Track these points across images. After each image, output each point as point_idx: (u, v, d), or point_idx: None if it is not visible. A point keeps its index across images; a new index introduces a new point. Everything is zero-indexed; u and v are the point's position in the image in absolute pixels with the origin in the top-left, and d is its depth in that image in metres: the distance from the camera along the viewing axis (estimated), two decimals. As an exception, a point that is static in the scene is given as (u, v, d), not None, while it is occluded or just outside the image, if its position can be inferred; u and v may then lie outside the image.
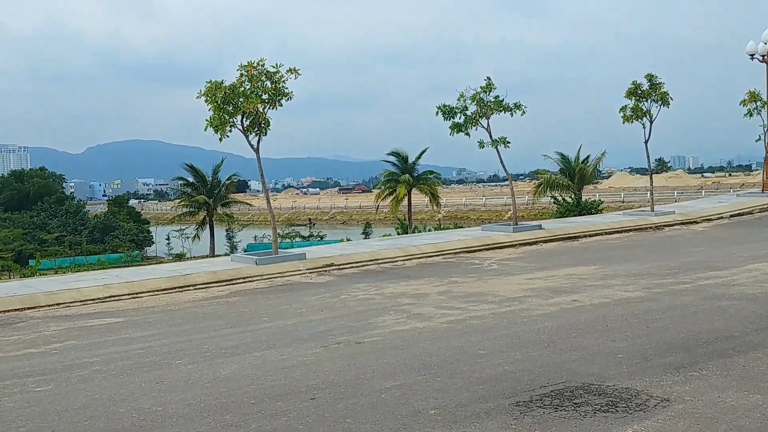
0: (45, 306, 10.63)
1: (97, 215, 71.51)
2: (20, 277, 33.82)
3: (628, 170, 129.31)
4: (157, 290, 11.60)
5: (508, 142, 17.11)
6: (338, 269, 13.32)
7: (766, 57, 25.86)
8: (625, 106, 19.86)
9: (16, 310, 10.42)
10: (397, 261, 14.08)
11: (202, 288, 11.87)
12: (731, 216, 20.13)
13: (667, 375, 5.60)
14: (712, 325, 7.30)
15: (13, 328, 9.25)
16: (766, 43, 25.79)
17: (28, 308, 10.51)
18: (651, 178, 22.04)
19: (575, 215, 27.22)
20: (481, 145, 17.30)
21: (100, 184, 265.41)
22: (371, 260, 13.98)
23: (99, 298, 11.05)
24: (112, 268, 20.67)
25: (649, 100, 19.69)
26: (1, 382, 6.49)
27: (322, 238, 55.85)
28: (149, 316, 9.67)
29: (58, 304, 10.71)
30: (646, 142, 20.14)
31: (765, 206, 21.70)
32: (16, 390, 6.21)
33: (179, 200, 52.24)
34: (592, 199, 38.31)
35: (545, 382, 5.56)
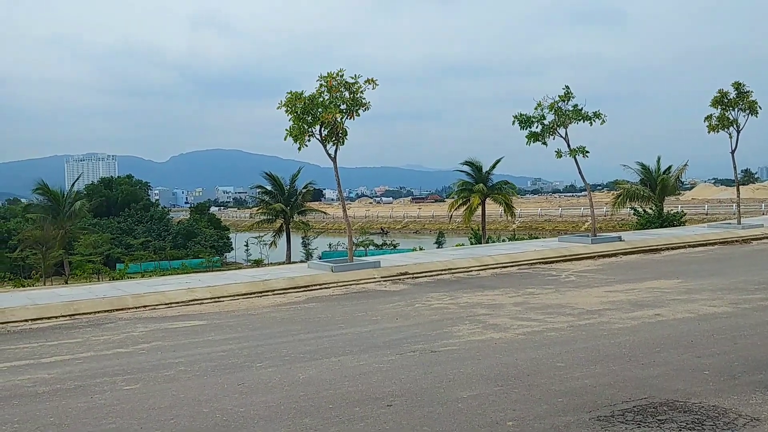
0: (132, 308, 11.10)
1: (180, 221, 74.03)
2: (109, 279, 35.37)
3: (712, 181, 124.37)
4: (238, 295, 11.93)
5: (587, 152, 16.80)
6: (412, 278, 13.37)
7: None
8: (711, 115, 19.17)
9: (105, 311, 10.93)
10: (471, 271, 14.01)
11: (281, 293, 12.13)
12: (827, 230, 19.09)
13: (757, 393, 5.37)
14: (806, 343, 6.95)
15: (103, 329, 9.70)
16: None
17: (117, 310, 11.00)
18: (738, 190, 21.15)
19: (657, 227, 26.40)
20: (559, 154, 17.04)
21: (183, 192, 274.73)
22: (445, 269, 13.96)
23: (183, 302, 11.46)
24: (195, 273, 21.37)
25: (736, 109, 18.93)
26: (93, 380, 6.82)
27: (395, 246, 56.04)
28: (230, 320, 9.96)
29: (144, 307, 11.17)
30: (732, 152, 19.38)
31: None
32: (107, 388, 6.52)
33: (257, 208, 53.53)
34: (675, 211, 37.07)
35: (627, 397, 5.43)
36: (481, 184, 46.40)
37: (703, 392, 5.48)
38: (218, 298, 11.74)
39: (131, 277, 32.73)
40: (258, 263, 48.01)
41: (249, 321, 9.86)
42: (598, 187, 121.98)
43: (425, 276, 13.56)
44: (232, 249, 64.18)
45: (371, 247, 54.21)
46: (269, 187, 50.65)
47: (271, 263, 44.13)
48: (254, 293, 12.07)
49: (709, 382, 5.73)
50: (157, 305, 11.27)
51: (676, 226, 27.40)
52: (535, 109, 16.93)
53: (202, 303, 11.47)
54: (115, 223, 63.26)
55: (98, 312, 10.86)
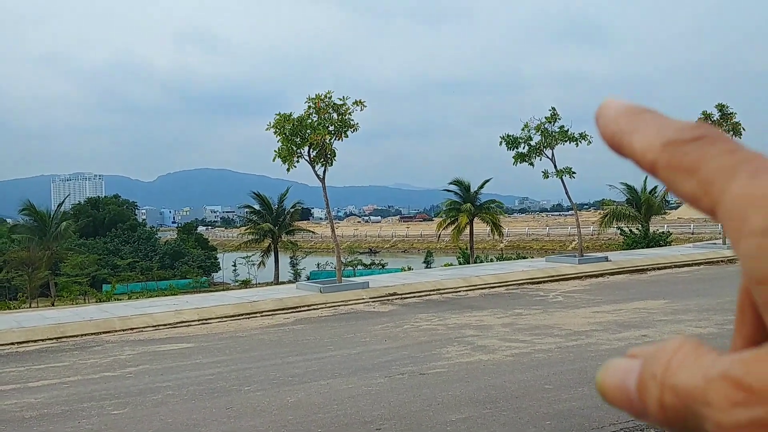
0: (120, 330, 11.04)
1: (167, 241, 73.65)
2: (96, 301, 35.10)
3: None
4: (225, 316, 11.90)
5: (574, 173, 16.95)
6: (401, 298, 13.38)
7: None
8: (696, 135, 19.40)
9: (93, 334, 10.86)
10: (459, 291, 14.04)
11: (269, 315, 12.11)
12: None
13: (743, 416, 5.42)
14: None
15: (90, 352, 9.64)
16: None
17: (104, 332, 10.94)
18: (723, 210, 21.36)
19: (643, 247, 26.60)
20: (546, 175, 17.18)
21: (170, 212, 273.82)
22: (434, 290, 13.99)
23: (170, 324, 11.41)
24: (182, 294, 21.26)
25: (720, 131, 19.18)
26: (80, 404, 6.78)
27: (383, 266, 56.01)
28: (218, 342, 9.92)
29: (131, 329, 11.11)
30: (717, 172, 19.60)
31: None
32: (94, 412, 6.48)
33: (245, 228, 53.47)
34: (661, 231, 37.37)
35: (614, 419, 5.47)
36: (469, 204, 46.61)
37: (690, 414, 5.52)
38: (206, 320, 11.70)
39: (118, 299, 32.50)
40: (246, 284, 47.83)
41: (237, 343, 9.83)
42: (585, 207, 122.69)
43: (414, 296, 13.58)
44: (219, 269, 63.87)
45: (360, 267, 54.15)
46: (257, 207, 50.68)
47: (259, 283, 43.98)
48: (242, 315, 12.04)
49: (696, 404, 5.77)
50: (144, 327, 11.21)
51: (662, 246, 27.61)
52: (522, 130, 17.09)
53: (190, 325, 11.42)
54: (102, 244, 62.88)
55: (85, 335, 10.79)
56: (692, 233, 61.12)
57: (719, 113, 19.13)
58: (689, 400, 0.31)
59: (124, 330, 11.06)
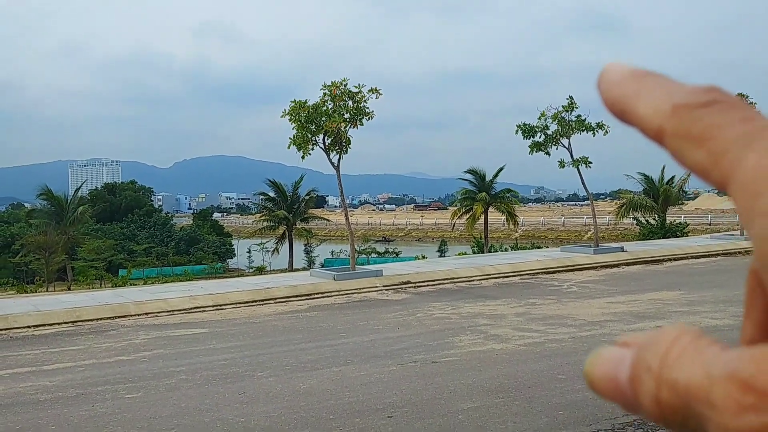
0: (134, 315, 11.12)
1: (183, 227, 74.09)
2: (112, 286, 35.43)
3: (716, 192, 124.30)
4: (240, 302, 11.95)
5: (590, 162, 16.80)
6: (414, 287, 13.37)
7: None
8: (714, 125, 19.16)
9: (108, 318, 10.95)
10: (473, 280, 14.00)
11: (282, 302, 12.14)
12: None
13: (759, 409, 5.36)
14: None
15: (105, 336, 9.72)
16: None
17: (119, 317, 11.02)
18: (741, 201, 21.10)
19: (659, 237, 26.39)
20: (562, 164, 17.05)
21: (186, 198, 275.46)
22: (447, 279, 13.96)
23: (185, 309, 11.48)
24: (197, 280, 21.39)
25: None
26: (95, 388, 6.84)
27: (397, 254, 55.99)
28: (232, 328, 9.97)
29: (146, 314, 11.19)
30: (736, 163, 19.37)
31: None
32: (108, 396, 6.53)
33: (260, 214, 53.70)
34: (677, 222, 37.07)
35: (627, 410, 5.42)
36: (484, 193, 46.44)
37: (705, 406, 5.47)
38: (220, 305, 11.75)
39: (134, 284, 32.79)
40: (260, 270, 48.05)
41: (251, 329, 9.87)
42: (601, 197, 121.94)
43: (427, 285, 13.56)
44: (234, 255, 64.19)
45: (374, 255, 54.20)
46: (272, 194, 50.80)
47: (274, 270, 44.17)
48: (256, 301, 12.08)
49: (711, 396, 5.72)
50: (159, 312, 11.28)
51: (679, 236, 27.38)
52: (539, 118, 16.95)
53: (204, 310, 11.48)
54: (118, 229, 63.37)
55: (100, 319, 10.88)
56: (710, 224, 60.56)
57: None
58: (690, 399, 0.27)
59: (138, 315, 11.14)
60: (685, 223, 39.43)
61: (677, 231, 30.06)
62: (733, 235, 20.29)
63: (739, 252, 17.37)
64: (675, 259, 16.42)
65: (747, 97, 18.80)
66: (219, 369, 7.41)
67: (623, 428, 5.04)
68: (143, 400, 6.32)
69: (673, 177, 37.24)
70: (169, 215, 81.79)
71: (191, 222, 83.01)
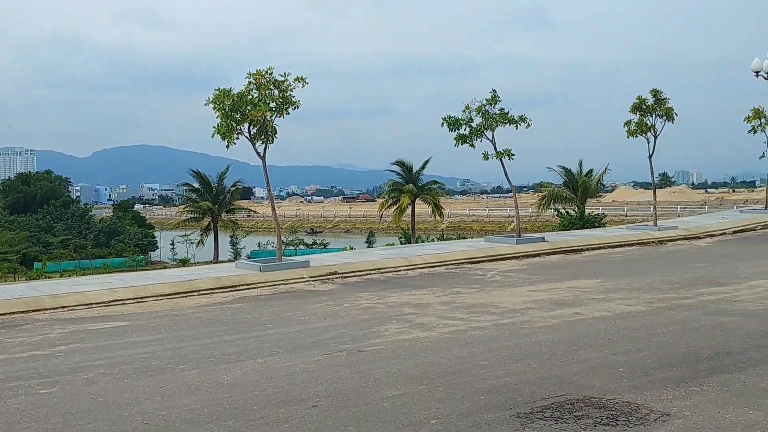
0: (50, 309, 10.70)
1: (102, 219, 71.74)
2: (26, 279, 33.93)
3: (632, 184, 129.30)
4: (162, 295, 11.66)
5: (513, 155, 17.17)
6: (341, 278, 13.38)
7: (771, 74, 25.87)
8: (630, 120, 19.89)
9: (21, 312, 10.49)
10: (400, 270, 14.13)
11: (206, 294, 11.93)
12: (734, 232, 20.15)
13: (668, 389, 5.63)
14: (713, 340, 7.33)
15: (19, 330, 9.31)
16: (771, 60, 25.80)
17: (34, 310, 10.58)
18: (654, 193, 22.09)
19: (578, 228, 27.26)
20: (486, 156, 17.36)
21: (106, 189, 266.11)
22: (374, 269, 14.03)
23: (104, 302, 11.12)
24: (117, 272, 20.76)
25: (653, 115, 19.71)
26: (7, 384, 6.55)
27: (325, 246, 55.91)
28: (153, 321, 9.73)
29: (63, 307, 10.78)
30: (650, 156, 20.19)
31: (769, 223, 21.69)
32: (21, 392, 6.27)
33: (184, 206, 52.52)
34: (596, 213, 38.36)
35: (546, 394, 5.60)
36: (411, 185, 46.83)
37: (618, 389, 5.71)
38: (141, 298, 11.44)
39: (49, 277, 31.51)
40: (184, 262, 47.05)
41: (173, 322, 9.65)
42: (524, 189, 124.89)
43: (354, 275, 13.59)
44: (157, 248, 62.66)
45: (301, 247, 53.93)
46: (197, 185, 49.75)
47: (198, 263, 43.30)
48: (179, 293, 11.82)
49: (624, 379, 5.97)
50: (76, 306, 10.89)
51: (597, 227, 28.34)
52: (463, 111, 17.20)
53: (125, 303, 11.16)
54: (33, 221, 60.75)
55: (13, 313, 10.41)
56: (626, 215, 62.96)
57: (653, 98, 19.66)
58: None
59: (54, 308, 10.72)
60: (603, 214, 40.89)
61: (595, 222, 31.11)
62: (647, 225, 21.17)
63: (652, 242, 18.16)
64: (593, 249, 17.02)
65: (660, 92, 19.60)
66: (139, 362, 7.22)
67: (541, 411, 5.20)
68: (59, 396, 6.10)
69: (591, 170, 38.61)
70: (88, 206, 78.96)
71: (111, 213, 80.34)
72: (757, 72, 26.25)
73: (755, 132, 23.61)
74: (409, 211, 47.07)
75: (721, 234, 19.75)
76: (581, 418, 5.01)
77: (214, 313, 10.29)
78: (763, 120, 23.55)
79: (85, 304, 10.97)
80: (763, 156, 24.84)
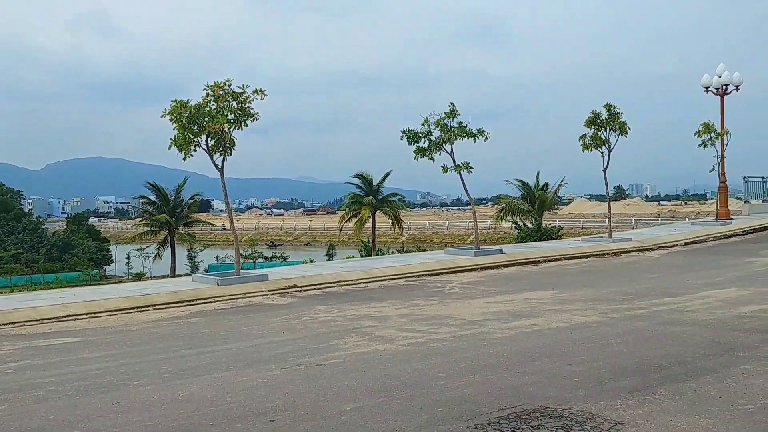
0: (0, 325, 10.39)
1: (55, 233, 70.10)
2: (-28, 295, 32.87)
3: (588, 197, 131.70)
4: (116, 310, 11.43)
5: (471, 168, 17.34)
6: (300, 291, 13.30)
7: (719, 90, 26.73)
8: (585, 134, 20.27)
9: (-32, 328, 10.16)
10: (359, 283, 14.11)
11: (162, 308, 11.73)
12: (686, 244, 20.65)
13: (621, 398, 5.73)
14: (665, 350, 7.49)
15: (-35, 348, 9.02)
16: (720, 77, 26.67)
17: (-19, 327, 10.25)
18: (609, 206, 22.51)
19: (535, 240, 27.64)
20: (445, 169, 17.51)
21: (59, 202, 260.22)
22: (334, 282, 13.99)
23: (55, 318, 10.85)
24: (70, 287, 20.27)
25: (607, 129, 20.13)
26: (-48, 403, 6.34)
27: (285, 259, 55.55)
28: (107, 336, 9.53)
29: (12, 323, 10.48)
30: (604, 170, 20.59)
31: (718, 235, 22.31)
32: (-33, 411, 6.07)
33: (140, 219, 51.68)
34: (552, 225, 38.93)
35: (503, 405, 5.65)
36: (371, 197, 46.95)
37: (573, 398, 5.78)
38: (95, 313, 11.20)
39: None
40: (140, 277, 46.25)
41: (127, 337, 9.47)
42: (483, 201, 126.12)
43: (314, 289, 13.53)
44: (112, 262, 61.42)
45: (260, 260, 53.49)
46: (153, 198, 49.03)
47: (154, 276, 42.60)
48: (134, 308, 11.60)
49: (579, 389, 6.06)
50: (26, 321, 10.60)
51: (554, 239, 28.79)
52: (422, 124, 17.32)
53: (77, 319, 10.90)
54: (-18, 234, 58.97)
55: (-41, 330, 10.08)
56: (582, 228, 64.05)
57: (607, 113, 20.09)
58: None
59: (4, 324, 10.41)
60: (560, 226, 41.52)
61: (552, 234, 31.61)
62: (602, 237, 21.56)
63: (607, 253, 18.50)
64: (549, 261, 17.25)
65: (614, 107, 20.04)
66: (92, 379, 7.06)
67: (498, 421, 5.24)
68: (8, 413, 5.92)
69: (546, 183, 39.24)
70: (41, 220, 77.04)
71: (65, 227, 78.57)
72: (706, 87, 27.09)
73: (705, 146, 24.25)
74: (369, 224, 47.11)
75: (674, 245, 20.23)
76: (537, 428, 5.07)
77: (169, 327, 10.13)
78: (712, 134, 24.21)
79: (37, 320, 10.69)
80: (713, 169, 25.57)
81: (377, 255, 38.73)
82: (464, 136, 17.19)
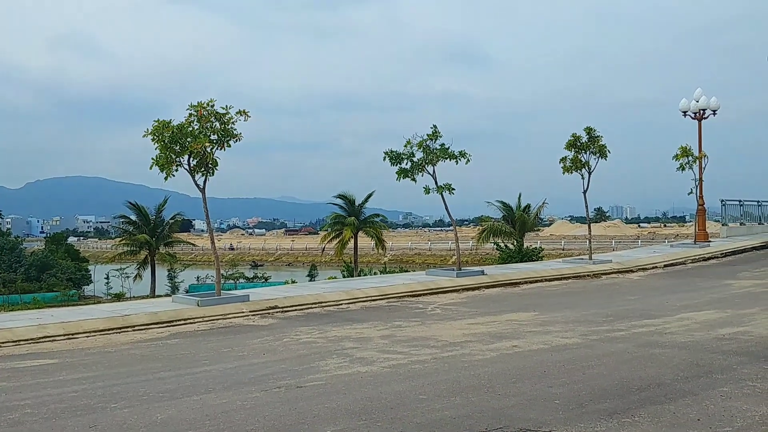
0: (-26, 346, 10.22)
1: (33, 252, 69.23)
2: (-53, 315, 32.30)
3: (569, 218, 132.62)
4: (94, 331, 11.29)
5: (453, 189, 17.44)
6: (282, 312, 13.24)
7: (697, 114, 27.17)
8: (565, 157, 20.50)
9: (-58, 350, 9.98)
10: (341, 304, 14.07)
11: (141, 329, 11.61)
12: (665, 266, 20.84)
13: (602, 421, 5.75)
14: (644, 372, 7.53)
15: (-61, 370, 8.86)
16: (697, 101, 27.12)
17: (-44, 348, 10.08)
18: (589, 227, 22.69)
19: (517, 261, 27.76)
20: (427, 190, 17.59)
21: (39, 221, 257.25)
22: (315, 303, 13.94)
23: (32, 339, 10.70)
24: (48, 308, 20.00)
25: (587, 152, 20.37)
26: (-76, 427, 6.21)
27: (266, 279, 55.20)
28: (85, 358, 9.41)
29: (-13, 345, 10.31)
30: (584, 192, 20.80)
31: (697, 257, 22.55)
32: (-60, 435, 5.96)
33: (120, 239, 51.25)
34: (534, 246, 39.13)
35: (484, 427, 5.64)
36: (354, 218, 46.93)
37: (554, 421, 5.79)
38: (72, 334, 11.05)
39: (-25, 313, 30.06)
40: (119, 297, 45.74)
41: (105, 359, 9.35)
42: (465, 222, 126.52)
43: (295, 310, 13.46)
44: (91, 282, 60.71)
45: (241, 281, 53.11)
46: (134, 217, 48.67)
47: (134, 297, 42.16)
48: (112, 329, 11.47)
49: (559, 411, 6.07)
50: (3, 343, 10.44)
51: (535, 260, 28.92)
52: (405, 146, 17.42)
53: (55, 340, 10.75)
54: (-41, 254, 58.06)
55: (-67, 351, 9.90)
56: (563, 249, 64.45)
57: (587, 136, 20.34)
58: None
59: (-22, 346, 10.23)
60: (541, 247, 41.74)
61: (533, 255, 31.78)
62: (583, 259, 21.71)
63: (588, 275, 18.62)
64: (530, 282, 17.33)
65: (594, 130, 20.29)
66: (69, 401, 6.96)
67: (479, 444, 5.23)
68: (-20, 439, 5.81)
69: (528, 205, 39.52)
70: (19, 239, 75.93)
71: (43, 246, 77.68)
72: (684, 112, 27.52)
73: (683, 169, 24.58)
74: (351, 244, 47.05)
75: (653, 268, 20.41)
76: (518, 451, 5.06)
77: (148, 349, 10.02)
78: (690, 158, 24.57)
79: (13, 341, 10.53)
80: (691, 192, 25.92)
81: (359, 276, 38.64)
82: (446, 158, 17.32)
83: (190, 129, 12.88)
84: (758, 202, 33.79)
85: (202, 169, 13.35)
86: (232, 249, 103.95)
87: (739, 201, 32.38)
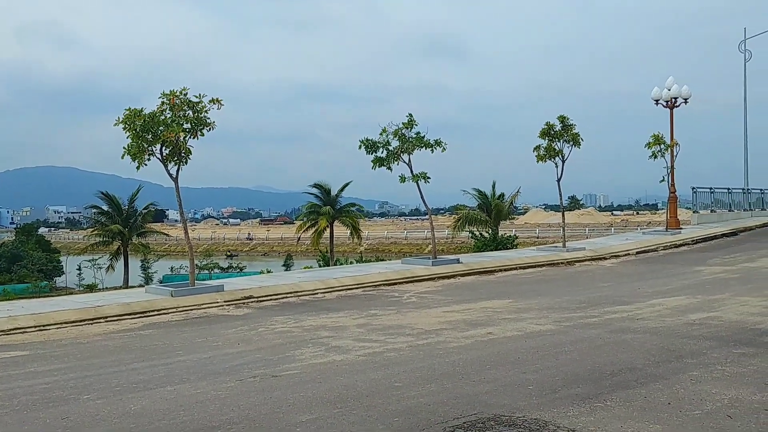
0: (-59, 339, 10.03)
1: (3, 243, 68.12)
2: None
3: (543, 207, 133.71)
4: (66, 322, 11.15)
5: (428, 178, 17.46)
6: (257, 301, 13.18)
7: (668, 103, 27.48)
8: (539, 145, 20.62)
9: None
10: (317, 293, 14.05)
11: (114, 320, 11.49)
12: (637, 253, 21.11)
13: (574, 406, 5.82)
14: (616, 357, 7.63)
15: None
16: (669, 90, 27.43)
17: (-77, 341, 9.89)
18: (563, 216, 22.88)
19: (492, 250, 27.93)
20: (402, 179, 17.59)
21: (8, 212, 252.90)
22: (291, 292, 13.90)
23: (2, 331, 10.52)
24: (19, 299, 19.71)
25: (561, 141, 20.50)
26: None
27: (241, 269, 54.95)
28: (56, 350, 9.29)
29: (-44, 337, 10.13)
30: (558, 180, 20.95)
31: (668, 244, 22.87)
32: None
33: (92, 229, 50.63)
34: (508, 235, 39.39)
35: (459, 413, 5.68)
36: (329, 207, 46.84)
37: (527, 406, 5.85)
38: (44, 326, 10.90)
39: (-57, 305, 29.55)
40: (91, 288, 45.21)
41: (77, 350, 9.24)
42: (441, 211, 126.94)
43: (270, 299, 13.41)
44: (63, 273, 59.95)
45: (216, 271, 52.83)
46: (106, 208, 48.09)
47: (107, 288, 41.71)
48: (85, 320, 11.33)
49: (533, 397, 6.13)
50: (-29, 336, 10.25)
51: (509, 248, 29.14)
52: (381, 134, 17.38)
53: (25, 332, 10.60)
54: (-74, 245, 56.94)
55: None
56: (537, 237, 64.99)
57: (561, 124, 20.47)
58: None
59: (-54, 339, 10.05)
60: (516, 236, 42.06)
61: (508, 243, 32.00)
62: (557, 247, 21.90)
63: (561, 262, 18.79)
64: (505, 270, 17.45)
65: (567, 119, 20.43)
66: (40, 393, 6.87)
67: (453, 430, 5.27)
68: (-52, 432, 5.72)
69: (502, 194, 39.75)
70: (-12, 230, 74.69)
71: (13, 237, 76.49)
72: (656, 100, 27.82)
73: (655, 157, 24.89)
74: (327, 234, 46.97)
75: (626, 255, 20.66)
76: (492, 437, 5.11)
77: (121, 340, 9.92)
78: (662, 146, 24.87)
79: (-18, 334, 10.35)
80: (663, 180, 26.24)
81: (335, 265, 38.63)
82: (422, 147, 17.32)
83: (163, 117, 12.72)
84: (728, 189, 34.36)
85: (175, 158, 13.20)
86: (250, 239, 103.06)
87: (710, 188, 32.87)
